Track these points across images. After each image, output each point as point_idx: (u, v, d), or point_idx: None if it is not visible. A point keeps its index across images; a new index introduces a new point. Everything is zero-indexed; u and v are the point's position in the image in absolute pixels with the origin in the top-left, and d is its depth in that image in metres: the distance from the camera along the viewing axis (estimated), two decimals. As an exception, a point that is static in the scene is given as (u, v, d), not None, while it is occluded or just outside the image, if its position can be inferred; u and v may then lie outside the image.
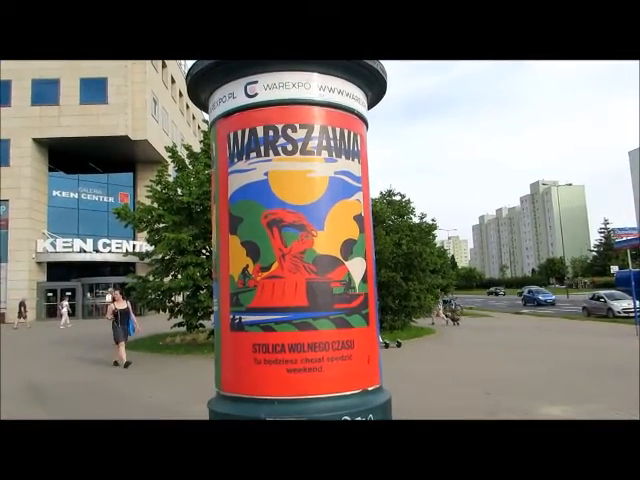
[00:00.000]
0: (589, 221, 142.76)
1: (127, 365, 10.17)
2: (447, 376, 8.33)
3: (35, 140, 31.15)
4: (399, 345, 12.38)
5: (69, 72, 31.16)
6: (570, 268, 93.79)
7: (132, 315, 11.15)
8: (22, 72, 30.90)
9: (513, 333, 16.25)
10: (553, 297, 36.24)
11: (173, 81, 40.31)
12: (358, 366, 2.85)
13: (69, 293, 31.26)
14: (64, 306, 25.40)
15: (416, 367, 9.55)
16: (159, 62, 36.20)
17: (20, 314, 24.73)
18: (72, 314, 27.85)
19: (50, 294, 31.46)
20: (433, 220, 19.15)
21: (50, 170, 33.04)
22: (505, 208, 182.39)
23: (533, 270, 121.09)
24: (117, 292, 11.38)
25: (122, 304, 10.89)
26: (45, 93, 31.17)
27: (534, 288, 42.19)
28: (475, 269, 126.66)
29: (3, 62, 30.89)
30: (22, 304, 25.19)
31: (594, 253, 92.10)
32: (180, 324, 13.97)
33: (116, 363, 10.38)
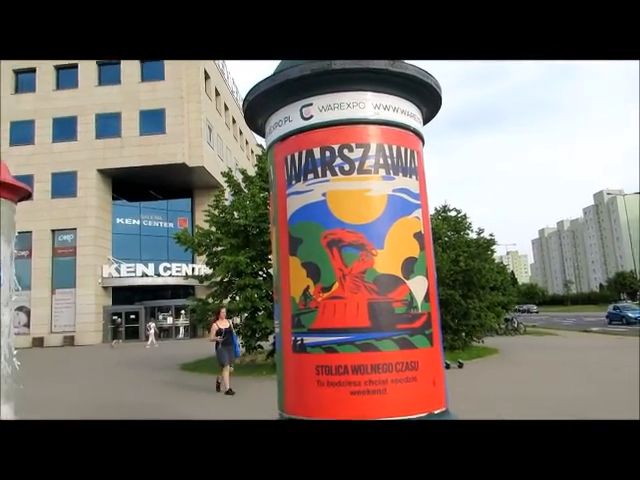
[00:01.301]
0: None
1: (230, 392, 9.34)
2: (516, 399, 7.99)
3: (99, 171, 32.90)
4: (461, 366, 12.03)
5: (129, 105, 32.88)
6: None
7: (235, 335, 10.21)
8: (86, 108, 32.82)
9: (583, 353, 15.46)
10: None
11: (226, 108, 41.66)
12: (423, 388, 2.77)
13: (133, 316, 32.54)
14: (151, 327, 27.10)
15: (481, 389, 9.23)
16: (213, 91, 37.53)
17: (115, 334, 28.70)
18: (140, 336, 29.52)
19: (115, 317, 32.73)
20: (491, 235, 18.64)
21: (113, 199, 34.78)
22: (567, 220, 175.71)
23: (601, 285, 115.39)
24: (223, 310, 10.36)
25: (225, 323, 9.93)
26: (108, 126, 33.01)
27: (621, 304, 37.13)
28: (537, 285, 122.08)
29: (70, 99, 32.97)
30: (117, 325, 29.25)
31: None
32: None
33: (225, 390, 9.49)
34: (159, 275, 33.21)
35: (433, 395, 2.85)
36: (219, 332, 9.69)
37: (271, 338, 12.85)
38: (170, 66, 33.29)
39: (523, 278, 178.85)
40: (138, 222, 35.68)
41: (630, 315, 30.51)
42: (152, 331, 26.71)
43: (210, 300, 14.62)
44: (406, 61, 2.98)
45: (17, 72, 34.17)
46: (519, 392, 8.57)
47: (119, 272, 32.71)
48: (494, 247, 19.19)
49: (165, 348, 24.04)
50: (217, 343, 9.71)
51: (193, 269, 31.86)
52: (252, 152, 47.87)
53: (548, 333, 25.27)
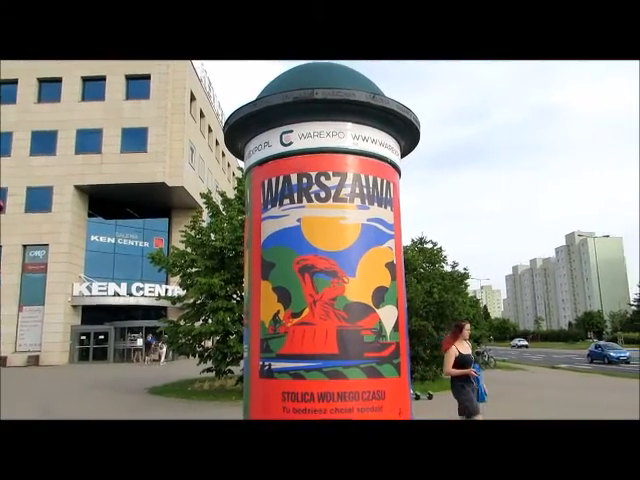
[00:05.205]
0: (628, 274, 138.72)
1: None
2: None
3: (76, 187, 32.42)
4: (430, 397, 12.02)
5: (112, 122, 32.70)
6: (609, 322, 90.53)
7: (479, 366, 6.16)
8: (67, 123, 32.53)
9: (551, 389, 15.58)
10: (627, 354, 30.61)
11: (210, 130, 41.78)
12: (389, 418, 2.76)
13: (102, 337, 31.76)
14: (163, 347, 27.78)
15: (449, 422, 9.21)
16: (197, 112, 37.64)
17: (147, 353, 29.99)
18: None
19: (83, 337, 31.88)
20: (465, 269, 18.91)
21: (89, 216, 34.22)
22: (539, 259, 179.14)
23: (570, 323, 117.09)
24: (467, 324, 6.15)
25: (465, 347, 5.96)
26: (88, 142, 32.62)
27: (603, 343, 36.34)
28: (509, 320, 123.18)
29: (51, 113, 32.71)
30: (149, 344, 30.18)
31: (634, 307, 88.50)
32: (209, 370, 13.93)
33: None
34: (131, 295, 32.55)
35: (399, 425, 2.84)
36: (462, 360, 5.67)
37: (242, 363, 12.69)
38: (156, 84, 33.36)
39: (496, 313, 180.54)
40: (113, 240, 35.10)
41: (612, 354, 30.41)
42: (164, 350, 27.89)
43: (182, 322, 14.41)
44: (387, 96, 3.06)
45: (-1, 83, 33.84)
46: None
47: (90, 291, 31.92)
48: (468, 281, 19.47)
49: (171, 367, 24.74)
50: (456, 381, 5.73)
51: (166, 290, 31.44)
52: (233, 175, 47.83)
53: (518, 368, 25.46)
